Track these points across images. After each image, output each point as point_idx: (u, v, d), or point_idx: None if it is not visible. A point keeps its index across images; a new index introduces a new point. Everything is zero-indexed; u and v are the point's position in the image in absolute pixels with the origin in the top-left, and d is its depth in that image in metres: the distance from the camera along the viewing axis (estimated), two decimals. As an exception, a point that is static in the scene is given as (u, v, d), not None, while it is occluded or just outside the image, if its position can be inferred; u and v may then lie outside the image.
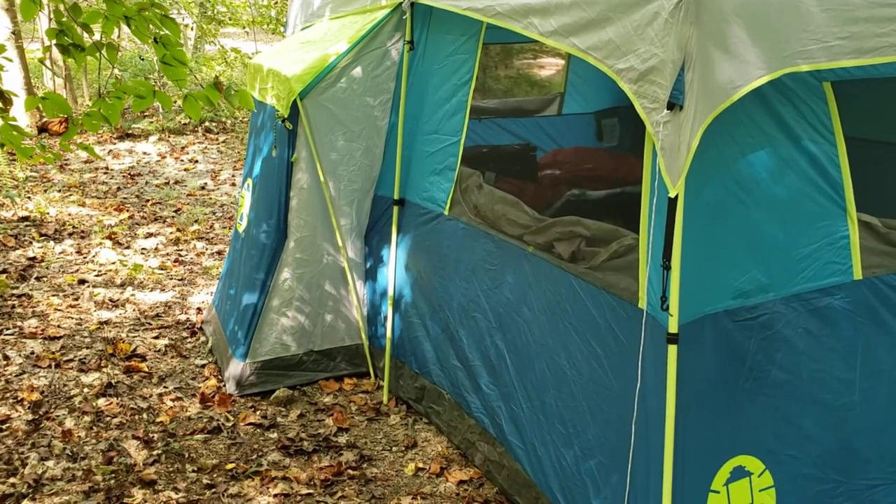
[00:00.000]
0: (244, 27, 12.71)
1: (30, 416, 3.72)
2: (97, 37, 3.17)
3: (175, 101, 8.53)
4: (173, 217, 7.25)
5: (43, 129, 9.79)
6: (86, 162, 9.17)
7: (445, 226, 3.63)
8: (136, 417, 3.80)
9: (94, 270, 5.75)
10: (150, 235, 6.64)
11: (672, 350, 2.23)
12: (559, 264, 2.80)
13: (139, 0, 2.81)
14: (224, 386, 4.16)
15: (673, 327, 2.23)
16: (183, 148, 10.09)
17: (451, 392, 3.63)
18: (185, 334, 4.79)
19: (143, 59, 12.27)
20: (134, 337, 4.69)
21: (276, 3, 12.19)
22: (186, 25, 14.19)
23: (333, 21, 4.46)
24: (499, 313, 3.19)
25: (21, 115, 9.14)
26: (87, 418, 3.73)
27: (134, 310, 5.08)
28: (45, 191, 7.77)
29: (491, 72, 6.73)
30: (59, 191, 7.86)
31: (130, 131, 10.46)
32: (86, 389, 4.01)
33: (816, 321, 2.48)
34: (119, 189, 8.18)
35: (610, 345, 2.56)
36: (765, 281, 2.39)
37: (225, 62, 12.62)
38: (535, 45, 6.53)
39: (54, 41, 2.94)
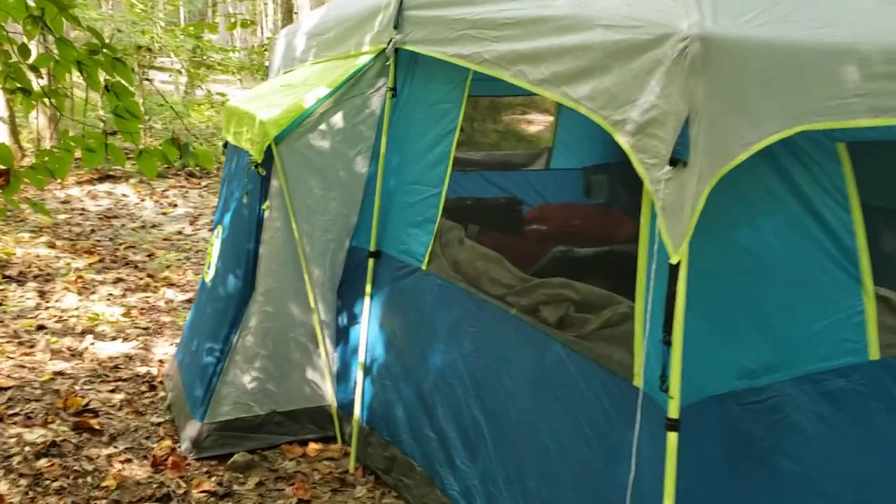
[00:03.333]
0: (233, 73, 12.58)
1: (-41, 478, 3.36)
2: (45, 81, 2.92)
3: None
4: (145, 262, 6.94)
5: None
6: (63, 202, 8.87)
7: (423, 281, 3.35)
8: (79, 481, 3.44)
9: (55, 316, 5.41)
10: (118, 280, 6.32)
11: (672, 437, 1.94)
12: (545, 330, 2.53)
13: (90, 42, 2.56)
14: (179, 447, 3.81)
15: (673, 412, 1.95)
16: (163, 191, 9.82)
17: (424, 465, 3.31)
18: (143, 388, 4.45)
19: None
20: (88, 390, 4.35)
21: (265, 49, 12.07)
22: (178, 71, 14.06)
23: (315, 65, 4.24)
24: (477, 380, 2.90)
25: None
26: (23, 482, 3.37)
27: (92, 360, 4.74)
28: (17, 231, 7.44)
29: (479, 124, 6.54)
30: (31, 231, 7.54)
31: (111, 172, 10.19)
32: (27, 448, 3.65)
33: (829, 405, 2.20)
34: (93, 231, 7.88)
35: (601, 425, 2.27)
36: (773, 360, 2.13)
37: (212, 106, 12.45)
38: (523, 98, 6.35)
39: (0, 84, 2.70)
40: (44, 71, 2.84)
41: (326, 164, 3.79)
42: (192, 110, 13.52)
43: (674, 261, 1.93)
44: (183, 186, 10.18)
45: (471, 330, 2.96)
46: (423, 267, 3.34)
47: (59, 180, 8.54)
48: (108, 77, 2.68)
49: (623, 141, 2.06)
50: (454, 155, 3.29)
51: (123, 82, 2.67)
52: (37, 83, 2.81)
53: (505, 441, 2.71)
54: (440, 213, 3.30)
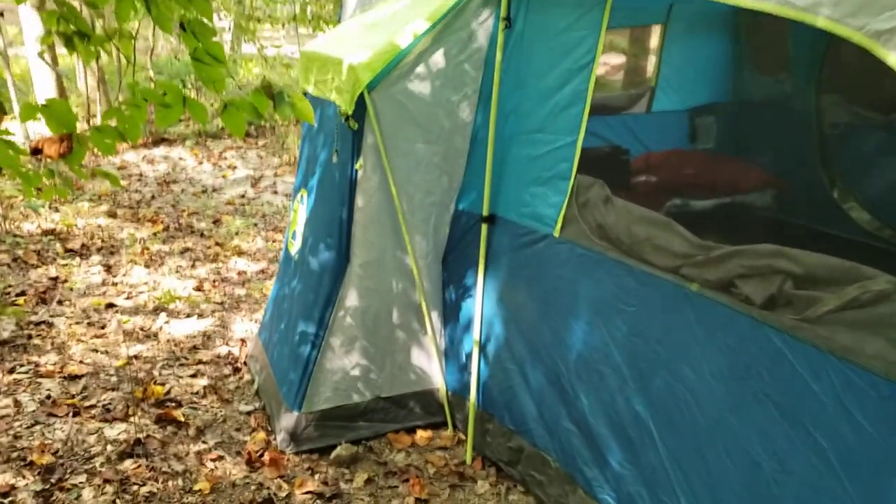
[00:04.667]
0: (284, 25, 12.04)
1: (39, 486, 3.01)
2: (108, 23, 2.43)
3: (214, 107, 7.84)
4: (211, 230, 6.56)
5: (36, 149, 9.10)
6: (119, 168, 8.55)
7: (555, 251, 2.85)
8: (170, 485, 3.07)
9: (124, 292, 5.06)
10: (185, 251, 5.95)
11: None
12: (748, 312, 2.01)
13: (159, -28, 2.08)
14: (275, 440, 3.42)
15: None
16: (220, 153, 9.44)
17: (561, 460, 2.84)
18: (226, 372, 4.07)
19: (178, 60, 11.67)
20: (168, 376, 3.98)
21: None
22: (223, 28, 13.59)
23: None
24: (640, 370, 2.40)
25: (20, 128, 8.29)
26: (109, 488, 3.01)
27: (168, 341, 4.37)
28: (73, 200, 7.13)
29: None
30: (90, 200, 7.22)
31: (166, 135, 9.84)
32: (109, 447, 3.29)
33: None
34: (153, 198, 7.53)
35: (845, 436, 1.75)
36: None
37: (265, 61, 11.98)
38: (634, 31, 5.75)
39: (54, 28, 2.23)
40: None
41: (428, 114, 3.28)
42: (240, 67, 13.08)
43: None
44: (240, 147, 9.78)
45: (627, 309, 2.46)
46: (556, 233, 2.83)
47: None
48: (183, 13, 2.19)
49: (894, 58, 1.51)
50: (592, 95, 2.75)
51: (203, 19, 2.18)
52: (97, 26, 2.34)
53: (686, 448, 2.21)
54: (575, 167, 2.77)
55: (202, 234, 6.41)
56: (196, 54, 2.23)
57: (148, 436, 3.39)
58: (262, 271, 5.53)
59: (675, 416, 2.26)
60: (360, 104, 3.19)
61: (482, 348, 3.31)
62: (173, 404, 3.69)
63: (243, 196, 7.74)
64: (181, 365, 4.11)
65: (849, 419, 1.73)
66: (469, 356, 3.38)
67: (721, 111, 5.43)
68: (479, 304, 3.27)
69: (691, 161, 5.13)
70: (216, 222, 6.77)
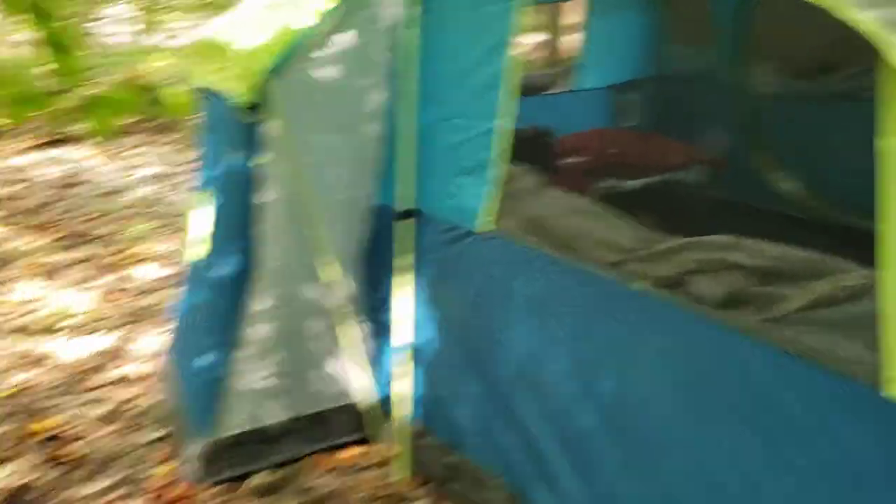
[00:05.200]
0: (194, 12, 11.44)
1: None
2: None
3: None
4: (115, 235, 6.08)
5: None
6: (7, 174, 7.92)
7: (484, 248, 2.59)
8: (63, 535, 2.70)
9: (15, 311, 4.59)
10: (84, 260, 5.48)
11: None
12: (703, 312, 1.78)
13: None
14: (184, 471, 3.08)
15: None
16: (127, 151, 8.85)
17: (506, 478, 2.60)
18: (130, 395, 3.68)
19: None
20: (60, 406, 3.57)
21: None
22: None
23: (304, -23, 3.36)
24: (586, 379, 2.17)
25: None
26: (-11, 546, 2.63)
27: (62, 364, 3.95)
28: (-41, 210, 6.53)
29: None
30: (-24, 209, 6.63)
31: (62, 135, 9.18)
32: (-8, 495, 2.89)
33: None
34: (48, 204, 6.97)
35: (824, 452, 1.55)
36: None
37: (169, 53, 11.35)
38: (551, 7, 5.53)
39: None
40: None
41: (337, 101, 2.96)
42: (146, 58, 12.42)
43: None
44: (153, 142, 9.20)
45: (568, 311, 2.21)
46: (483, 229, 2.57)
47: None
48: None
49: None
50: (513, 73, 2.49)
51: None
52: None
53: (643, 463, 1.99)
54: (500, 154, 2.51)
55: (105, 241, 5.93)
56: (51, 38, 1.87)
57: (38, 478, 3.01)
58: (171, 277, 5.12)
59: (627, 429, 2.03)
60: (261, 93, 2.86)
61: (413, 355, 3.03)
62: (66, 439, 3.29)
63: (151, 197, 7.24)
64: (78, 391, 3.70)
65: (828, 433, 1.52)
66: (398, 365, 3.10)
67: (645, 87, 5.28)
68: (407, 307, 3.00)
69: (618, 140, 4.95)
70: (119, 227, 6.28)
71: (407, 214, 2.91)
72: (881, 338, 1.39)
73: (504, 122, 2.49)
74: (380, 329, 3.18)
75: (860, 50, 4.27)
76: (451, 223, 2.73)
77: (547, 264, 2.28)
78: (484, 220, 2.56)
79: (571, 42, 5.63)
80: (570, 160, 4.72)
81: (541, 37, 6.17)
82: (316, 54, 2.89)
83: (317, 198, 3.01)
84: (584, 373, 2.16)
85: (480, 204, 2.58)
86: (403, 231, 2.92)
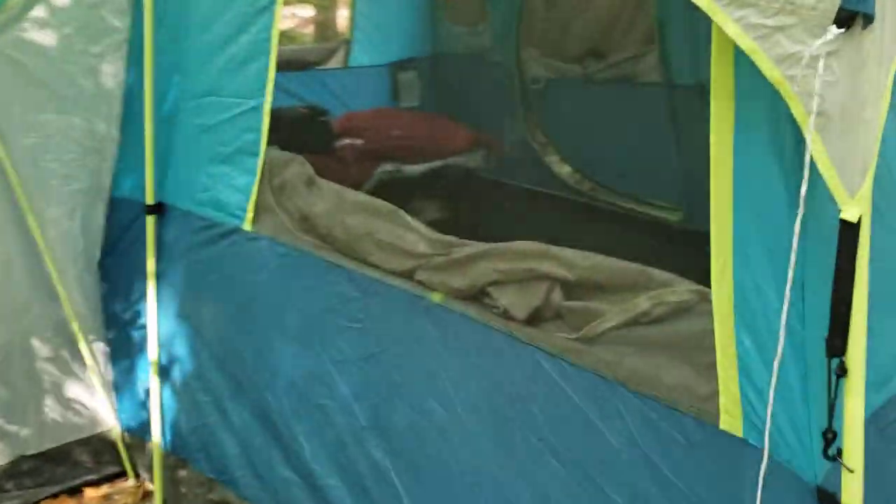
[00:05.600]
0: None
1: None
2: None
3: None
4: None
5: None
6: None
7: (248, 249, 2.18)
8: None
9: None
10: None
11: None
12: (507, 329, 1.53)
13: None
14: None
15: (852, 497, 1.06)
16: None
17: (281, 517, 2.23)
18: None
19: None
20: None
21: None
22: None
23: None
24: (374, 405, 1.85)
25: None
26: None
27: None
28: None
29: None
30: None
31: None
32: None
33: None
34: None
35: (647, 492, 1.34)
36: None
37: None
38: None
39: None
40: None
41: (57, 73, 2.40)
42: None
43: (851, 215, 1.00)
44: None
45: (352, 326, 1.88)
46: (247, 226, 2.16)
47: None
48: None
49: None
50: (276, 45, 2.10)
51: None
52: None
53: (444, 501, 1.71)
54: (265, 139, 2.12)
55: None
56: None
57: None
58: None
59: (422, 463, 1.74)
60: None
61: (163, 376, 2.56)
62: None
63: None
64: None
65: (651, 470, 1.32)
66: (147, 387, 2.62)
67: (423, 66, 5.05)
68: (154, 319, 2.52)
69: (399, 121, 4.66)
70: None
71: (156, 209, 2.43)
72: (713, 361, 1.20)
73: (268, 98, 2.10)
74: (129, 345, 2.68)
75: (630, 37, 4.33)
76: (207, 220, 2.29)
77: (326, 271, 1.93)
78: (246, 217, 2.16)
79: (346, 17, 5.26)
80: (347, 142, 4.37)
81: (310, 9, 5.73)
82: (23, 16, 2.32)
83: (35, 190, 2.44)
84: (372, 398, 1.84)
85: (241, 198, 2.18)
86: (153, 228, 2.44)
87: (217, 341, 2.35)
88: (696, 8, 1.10)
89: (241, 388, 2.27)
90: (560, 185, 4.50)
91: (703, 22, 3.51)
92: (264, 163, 2.11)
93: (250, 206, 2.14)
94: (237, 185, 2.19)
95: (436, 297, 1.67)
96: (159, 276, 2.49)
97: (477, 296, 1.59)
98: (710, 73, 1.15)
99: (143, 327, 2.60)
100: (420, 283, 1.70)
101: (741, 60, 1.11)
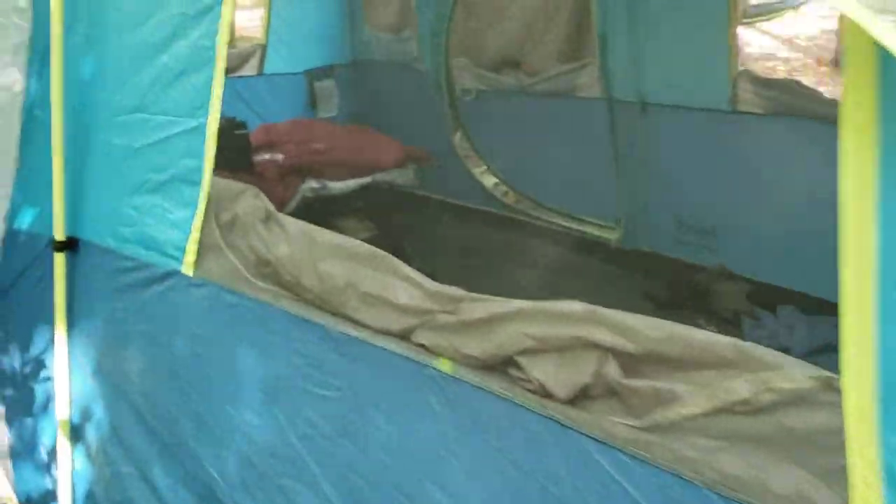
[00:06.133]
0: None
1: None
2: None
3: None
4: None
5: None
6: None
7: (188, 296, 1.78)
8: None
9: None
10: None
11: None
12: (545, 410, 1.23)
13: None
14: None
15: None
16: None
17: None
18: None
19: None
20: None
21: None
22: None
23: None
24: (355, 488, 1.50)
25: None
26: None
27: None
28: None
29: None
30: None
31: None
32: None
33: None
34: None
35: None
36: None
37: None
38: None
39: None
40: None
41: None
42: None
43: None
44: None
45: (326, 394, 1.53)
46: (186, 269, 1.77)
47: None
48: None
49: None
50: (224, 54, 1.72)
51: None
52: None
53: None
54: (209, 165, 1.74)
55: None
56: None
57: None
58: None
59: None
60: None
61: (75, 440, 2.12)
62: None
63: None
64: None
65: None
66: (53, 452, 2.16)
67: (342, 74, 4.70)
68: (64, 373, 2.07)
69: (321, 134, 4.28)
70: None
71: (67, 244, 1.99)
72: (842, 466, 0.93)
73: (213, 118, 1.72)
74: (29, 402, 2.22)
75: (568, 49, 4.12)
76: (133, 260, 1.88)
77: (291, 326, 1.57)
78: (185, 258, 1.76)
79: (251, 20, 4.83)
80: (266, 157, 3.96)
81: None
82: None
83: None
84: (353, 480, 1.50)
85: (178, 235, 1.78)
86: (63, 268, 2.00)
87: (145, 402, 1.94)
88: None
89: (176, 458, 1.87)
90: (492, 201, 4.25)
91: (647, 39, 3.30)
92: (208, 194, 1.72)
93: (191, 246, 1.75)
94: (173, 220, 1.79)
95: (443, 365, 1.34)
96: (71, 324, 2.05)
97: (501, 366, 1.28)
98: (845, 99, 0.88)
99: (47, 381, 2.16)
100: (421, 346, 1.38)
101: (889, 78, 0.85)
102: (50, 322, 2.07)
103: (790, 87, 3.23)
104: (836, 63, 6.77)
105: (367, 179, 4.03)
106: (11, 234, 2.14)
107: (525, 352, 1.22)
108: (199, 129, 1.73)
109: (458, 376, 1.31)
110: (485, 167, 4.31)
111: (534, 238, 3.90)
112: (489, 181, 4.29)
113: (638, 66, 3.57)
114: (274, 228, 1.62)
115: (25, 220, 2.11)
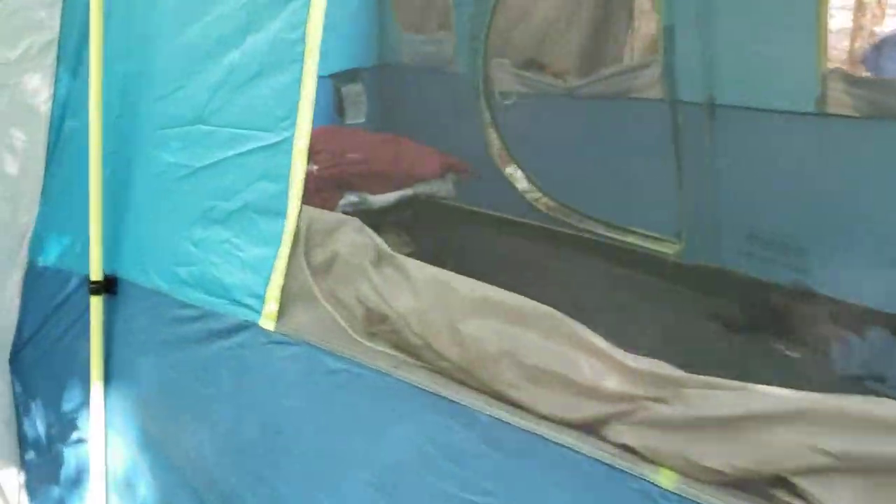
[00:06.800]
0: None
1: None
2: None
3: None
4: None
5: None
6: None
7: (268, 356, 1.37)
8: None
9: None
10: None
11: None
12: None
13: None
14: None
15: None
16: None
17: None
18: None
19: None
20: None
21: None
22: None
23: None
24: None
25: None
26: None
27: None
28: None
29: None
30: None
31: None
32: None
33: None
34: None
35: None
36: None
37: None
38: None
39: None
40: None
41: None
42: None
43: None
44: None
45: (472, 500, 1.13)
46: (266, 322, 1.36)
47: None
48: None
49: None
50: (317, 48, 1.32)
51: None
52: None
53: None
54: (297, 190, 1.33)
55: None
56: None
57: None
58: None
59: None
60: None
61: (115, 521, 1.71)
62: None
63: None
64: None
65: None
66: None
67: (370, 77, 4.30)
68: (100, 439, 1.67)
69: (356, 143, 3.87)
70: None
71: (106, 286, 1.59)
72: None
73: (302, 130, 1.31)
74: (55, 470, 1.80)
75: (626, 47, 3.73)
76: (194, 308, 1.47)
77: (420, 405, 1.17)
78: (264, 308, 1.36)
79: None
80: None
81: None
82: None
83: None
84: None
85: (254, 279, 1.37)
86: (101, 314, 1.60)
87: (203, 481, 1.53)
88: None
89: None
90: (531, 212, 3.87)
91: (721, 32, 2.84)
92: (297, 227, 1.32)
93: (272, 293, 1.34)
94: (247, 260, 1.38)
95: (664, 479, 0.94)
96: (109, 380, 1.64)
97: (761, 486, 0.88)
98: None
99: (78, 445, 1.75)
100: (623, 447, 0.98)
101: None
102: (83, 377, 1.66)
103: (890, 88, 2.88)
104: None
105: (408, 192, 3.62)
106: (34, 270, 1.73)
107: (810, 471, 0.82)
108: (283, 146, 1.33)
109: (687, 496, 0.91)
110: (525, 178, 3.92)
111: (580, 252, 3.52)
112: (528, 190, 3.91)
113: (708, 63, 3.19)
114: (390, 273, 1.22)
115: (52, 254, 1.70)
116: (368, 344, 1.25)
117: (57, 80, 1.63)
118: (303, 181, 1.31)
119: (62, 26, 1.64)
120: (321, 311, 1.29)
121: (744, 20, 3.01)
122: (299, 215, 1.32)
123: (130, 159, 1.55)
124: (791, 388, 0.85)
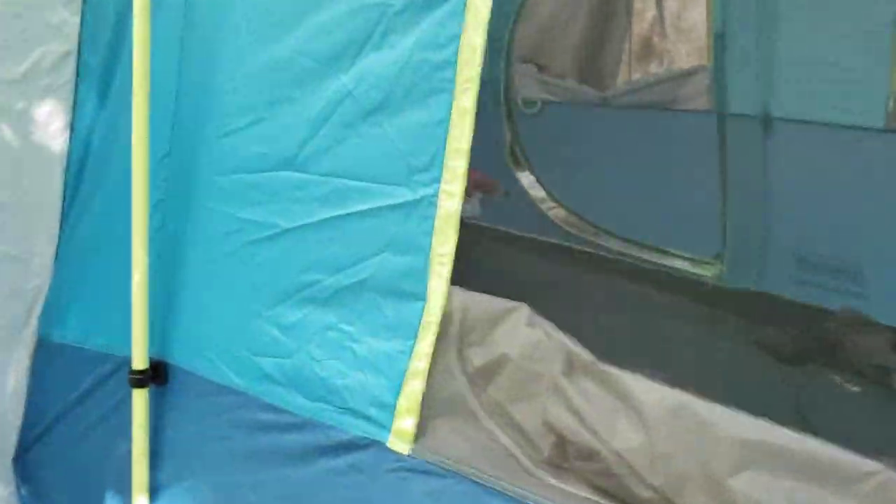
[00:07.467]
0: None
1: None
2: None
3: None
4: None
5: None
6: None
7: (399, 489, 1.00)
8: None
9: None
10: None
11: None
12: None
13: None
14: None
15: None
16: None
17: None
18: None
19: None
20: None
21: None
22: None
23: None
24: None
25: None
26: None
27: None
28: None
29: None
30: None
31: None
32: None
33: None
34: None
35: None
36: None
37: None
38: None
39: None
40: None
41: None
42: None
43: None
44: None
45: None
46: (398, 444, 0.98)
47: None
48: None
49: None
50: (477, 77, 0.94)
51: None
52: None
53: None
54: (444, 267, 0.95)
55: None
56: None
57: None
58: None
59: None
60: None
61: None
62: None
63: None
64: None
65: None
66: None
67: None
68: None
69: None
70: None
71: (154, 376, 1.19)
72: None
73: (453, 187, 0.94)
74: None
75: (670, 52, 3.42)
76: (279, 412, 1.08)
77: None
78: (394, 424, 0.98)
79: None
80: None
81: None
82: None
83: None
84: None
85: (377, 383, 0.99)
86: (146, 412, 1.20)
87: None
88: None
89: None
90: (552, 230, 3.53)
91: (779, 40, 2.50)
92: (444, 314, 0.94)
93: (407, 404, 0.97)
94: (366, 356, 1.00)
95: None
96: (156, 494, 1.24)
97: None
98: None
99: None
100: None
101: None
102: (119, 489, 1.26)
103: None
104: None
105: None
106: (48, 348, 1.31)
107: None
108: (422, 206, 0.95)
109: None
110: (547, 194, 3.57)
111: (610, 274, 3.21)
112: (552, 210, 3.56)
113: (764, 73, 2.88)
114: (593, 389, 0.85)
115: (72, 329, 1.29)
116: (553, 481, 0.88)
117: (77, 106, 1.22)
118: (452, 254, 0.93)
119: (83, 32, 1.23)
120: (482, 433, 0.92)
121: (808, 27, 2.72)
122: (447, 299, 0.94)
123: (184, 213, 1.16)
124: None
